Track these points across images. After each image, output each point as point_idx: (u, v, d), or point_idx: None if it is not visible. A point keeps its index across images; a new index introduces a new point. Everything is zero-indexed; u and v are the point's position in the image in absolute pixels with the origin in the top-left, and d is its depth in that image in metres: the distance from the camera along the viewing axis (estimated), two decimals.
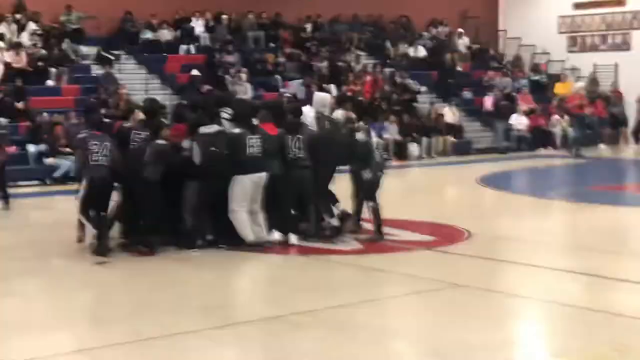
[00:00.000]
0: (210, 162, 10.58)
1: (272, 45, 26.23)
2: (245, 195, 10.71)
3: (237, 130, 10.88)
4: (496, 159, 23.50)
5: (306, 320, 7.87)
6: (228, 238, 10.79)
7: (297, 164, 11.06)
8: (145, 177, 10.40)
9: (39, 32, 22.36)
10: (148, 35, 24.47)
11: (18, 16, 22.62)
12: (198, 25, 25.37)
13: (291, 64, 25.22)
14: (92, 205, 10.58)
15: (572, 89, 26.15)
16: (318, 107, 11.98)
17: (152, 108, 11.53)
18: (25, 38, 22.08)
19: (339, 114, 12.72)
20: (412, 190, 18.64)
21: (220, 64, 23.98)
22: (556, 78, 28.27)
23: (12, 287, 9.44)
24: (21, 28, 22.36)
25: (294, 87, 23.59)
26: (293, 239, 10.98)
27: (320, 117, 11.82)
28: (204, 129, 10.76)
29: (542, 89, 28.24)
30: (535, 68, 29.46)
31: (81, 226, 10.78)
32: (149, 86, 22.41)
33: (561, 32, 30.17)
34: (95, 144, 10.53)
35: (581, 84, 27.33)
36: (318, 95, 12.72)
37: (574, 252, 11.38)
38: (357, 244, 11.25)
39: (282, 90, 23.37)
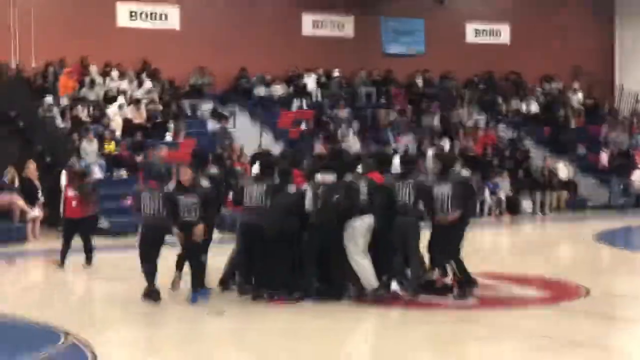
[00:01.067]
0: (326, 210, 10.61)
1: (383, 101, 26.41)
2: (363, 240, 10.69)
3: (348, 178, 10.90)
4: (612, 216, 22.87)
5: None
6: (334, 287, 10.81)
7: (404, 212, 10.96)
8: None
9: (156, 89, 23.10)
10: (261, 90, 24.99)
11: (139, 74, 23.43)
12: (310, 81, 25.75)
13: (402, 119, 25.29)
14: (145, 253, 10.87)
15: None
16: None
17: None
18: (143, 94, 22.82)
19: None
20: (525, 246, 18.31)
21: (331, 119, 24.27)
22: None
23: (136, 335, 9.68)
24: (140, 85, 23.17)
25: (406, 142, 23.62)
26: (398, 288, 10.87)
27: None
28: (319, 178, 10.83)
29: None
30: None
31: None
32: (262, 141, 22.82)
33: None
34: (148, 196, 10.85)
35: None
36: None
37: None
38: (472, 298, 11.03)
39: (393, 145, 23.43)
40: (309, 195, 10.72)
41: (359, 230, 10.68)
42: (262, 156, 12.34)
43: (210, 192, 11.02)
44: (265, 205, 10.82)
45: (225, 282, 11.35)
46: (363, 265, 10.68)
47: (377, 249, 10.86)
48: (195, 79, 24.29)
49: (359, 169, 11.33)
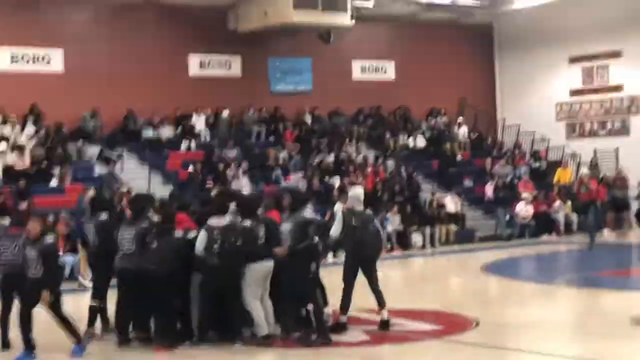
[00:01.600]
0: (222, 254, 10.49)
1: (272, 139, 26.45)
2: (258, 284, 10.63)
3: (247, 222, 10.81)
4: (499, 246, 23.39)
5: None
6: (229, 332, 10.69)
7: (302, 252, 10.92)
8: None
9: (39, 133, 22.55)
10: (149, 132, 24.70)
11: (23, 118, 22.80)
12: (199, 122, 25.61)
13: (292, 157, 25.36)
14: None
15: (581, 174, 25.34)
16: (353, 202, 11.71)
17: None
18: (27, 139, 22.25)
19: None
20: (416, 279, 18.55)
21: (221, 159, 24.16)
22: (556, 164, 28.39)
23: None
24: (23, 130, 22.58)
25: (295, 180, 23.69)
26: (295, 330, 10.84)
27: (349, 212, 11.56)
28: (213, 221, 10.72)
29: (542, 176, 28.33)
30: (535, 155, 29.61)
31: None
32: (151, 183, 22.50)
33: (559, 119, 30.43)
34: (5, 243, 10.47)
35: (586, 170, 27.11)
36: (354, 191, 12.22)
37: (581, 338, 11.25)
38: (363, 335, 11.10)
39: (283, 184, 23.46)
40: (201, 239, 10.58)
41: (256, 275, 10.62)
42: (137, 200, 12.01)
43: (52, 247, 10.27)
44: (142, 250, 10.61)
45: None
46: (256, 309, 10.60)
47: (276, 291, 10.83)
48: (82, 122, 23.82)
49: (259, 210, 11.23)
